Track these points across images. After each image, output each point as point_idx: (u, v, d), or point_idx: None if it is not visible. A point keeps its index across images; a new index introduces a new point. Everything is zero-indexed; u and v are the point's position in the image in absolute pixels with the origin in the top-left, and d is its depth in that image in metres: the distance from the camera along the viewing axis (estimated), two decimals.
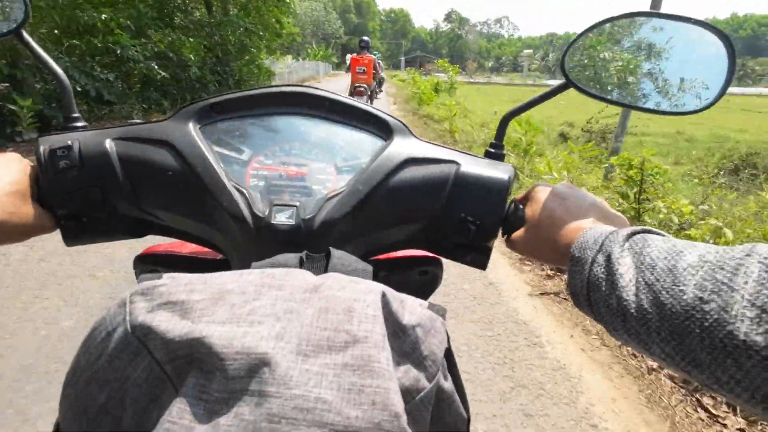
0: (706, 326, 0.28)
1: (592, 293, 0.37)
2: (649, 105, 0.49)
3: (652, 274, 0.32)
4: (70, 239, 0.52)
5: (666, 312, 0.30)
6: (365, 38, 8.36)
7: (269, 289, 0.30)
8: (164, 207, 0.52)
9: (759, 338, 0.25)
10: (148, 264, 0.65)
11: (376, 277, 0.50)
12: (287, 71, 23.09)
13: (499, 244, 0.53)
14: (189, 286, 0.29)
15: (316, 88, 0.56)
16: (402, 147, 0.52)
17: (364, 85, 7.98)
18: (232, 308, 0.28)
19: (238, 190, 0.48)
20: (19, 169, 0.47)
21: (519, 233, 0.52)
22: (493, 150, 0.58)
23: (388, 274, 0.64)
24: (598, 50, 0.51)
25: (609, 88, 0.52)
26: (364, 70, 8.02)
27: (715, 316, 0.27)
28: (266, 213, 0.46)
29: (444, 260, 0.63)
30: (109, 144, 0.50)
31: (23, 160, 0.49)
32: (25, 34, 0.52)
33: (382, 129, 0.55)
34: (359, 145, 0.55)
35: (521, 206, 0.54)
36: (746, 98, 40.48)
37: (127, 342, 0.27)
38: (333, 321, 0.27)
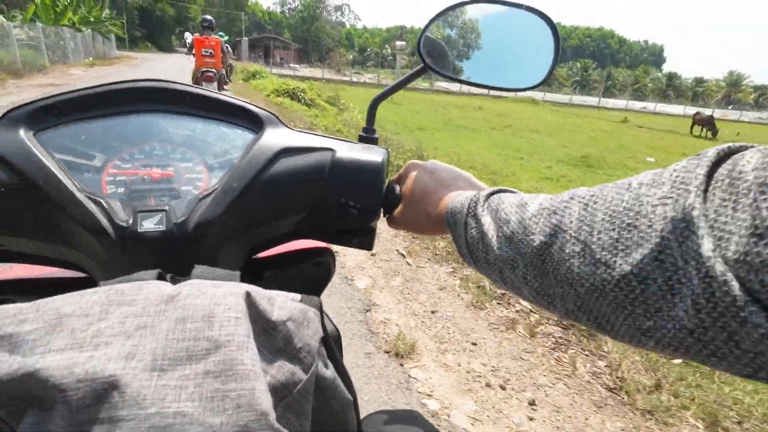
0: (554, 265, 0.32)
1: (472, 252, 0.41)
2: (492, 83, 0.54)
3: (508, 227, 0.37)
4: None
5: (527, 259, 0.35)
6: (208, 17, 7.70)
7: (118, 306, 0.28)
8: (2, 231, 0.45)
9: (586, 269, 0.29)
10: None
11: (262, 277, 0.53)
12: None
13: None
14: (18, 317, 0.27)
15: (174, 82, 0.52)
16: (274, 138, 0.52)
17: (213, 70, 7.36)
18: (72, 333, 0.26)
19: (92, 200, 0.43)
20: None
21: (398, 211, 0.55)
22: (366, 134, 0.61)
23: (279, 270, 0.61)
24: (448, 34, 0.56)
25: (458, 69, 0.56)
26: (211, 52, 7.41)
27: (557, 256, 0.32)
28: (130, 221, 0.43)
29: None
30: None
31: None
32: None
33: (252, 121, 0.53)
34: (229, 140, 0.52)
35: (397, 186, 0.56)
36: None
37: None
38: (191, 330, 0.27)
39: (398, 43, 56.46)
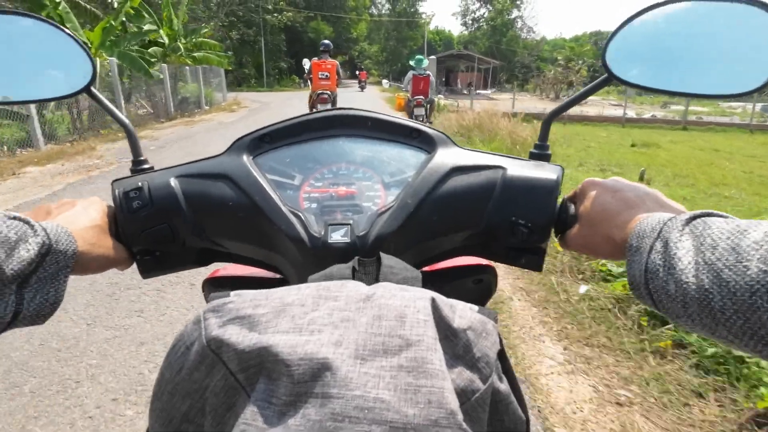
0: None
1: (650, 281, 0.37)
2: (695, 90, 0.49)
3: (713, 254, 0.32)
4: (146, 272, 0.56)
5: (730, 290, 0.30)
6: (326, 41, 8.18)
7: (326, 300, 0.32)
8: (227, 236, 0.56)
9: None
10: (215, 286, 0.69)
11: (428, 288, 0.58)
12: None
13: None
14: (254, 302, 0.32)
15: (357, 109, 0.59)
16: (446, 157, 0.55)
17: (328, 92, 7.75)
18: (293, 319, 0.30)
19: (293, 213, 0.51)
20: (99, 209, 0.52)
21: (573, 231, 0.52)
22: (537, 151, 0.59)
23: (442, 284, 0.64)
24: (639, 40, 0.51)
25: (652, 77, 0.51)
26: (327, 75, 7.81)
27: None
28: (322, 233, 0.50)
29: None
30: (174, 182, 0.55)
31: (102, 201, 0.54)
32: (95, 90, 0.57)
33: (425, 142, 0.57)
34: (404, 159, 0.57)
35: (572, 204, 0.54)
36: None
37: (203, 355, 0.30)
38: (386, 327, 0.30)
39: None
